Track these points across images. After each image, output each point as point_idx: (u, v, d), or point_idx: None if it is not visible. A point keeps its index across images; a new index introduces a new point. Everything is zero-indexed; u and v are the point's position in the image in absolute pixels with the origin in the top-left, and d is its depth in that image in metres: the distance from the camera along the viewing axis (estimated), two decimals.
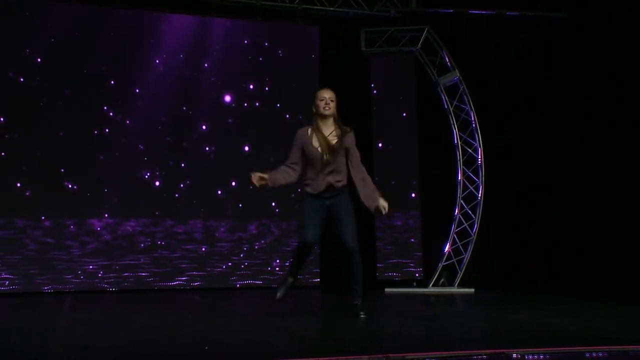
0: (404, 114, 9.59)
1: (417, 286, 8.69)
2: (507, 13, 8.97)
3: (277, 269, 9.06)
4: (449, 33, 8.94)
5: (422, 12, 8.90)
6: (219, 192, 8.93)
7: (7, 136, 8.22)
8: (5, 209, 8.15)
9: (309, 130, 5.41)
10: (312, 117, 5.45)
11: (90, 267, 8.41)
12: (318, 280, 9.17)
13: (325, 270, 9.17)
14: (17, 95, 8.28)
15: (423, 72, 8.99)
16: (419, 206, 9.41)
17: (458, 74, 8.62)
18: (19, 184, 8.23)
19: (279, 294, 5.58)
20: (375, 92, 9.55)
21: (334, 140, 5.33)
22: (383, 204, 5.36)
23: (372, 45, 8.91)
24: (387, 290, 8.39)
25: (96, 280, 8.41)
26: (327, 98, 5.35)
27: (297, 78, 9.37)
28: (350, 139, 5.38)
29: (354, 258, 5.47)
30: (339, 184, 5.39)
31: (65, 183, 8.43)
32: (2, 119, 8.23)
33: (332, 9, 8.93)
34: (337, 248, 9.02)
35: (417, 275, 9.26)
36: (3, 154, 8.20)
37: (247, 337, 4.44)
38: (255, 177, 5.30)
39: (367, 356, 3.45)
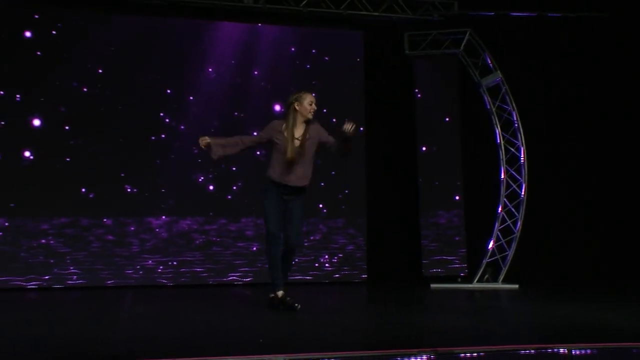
0: (447, 116, 9.50)
1: (462, 282, 8.60)
2: (549, 14, 8.81)
3: (326, 265, 9.07)
4: (490, 35, 8.83)
5: (464, 15, 8.81)
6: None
7: (72, 142, 8.42)
8: (71, 209, 8.35)
9: (283, 126, 5.55)
10: (290, 113, 5.56)
11: (150, 262, 8.56)
12: (365, 276, 9.14)
13: (373, 267, 9.15)
14: (80, 104, 8.47)
15: (465, 74, 8.90)
16: (463, 204, 9.32)
17: (500, 75, 8.51)
18: (83, 187, 8.42)
19: (297, 305, 5.59)
20: (419, 95, 9.48)
21: (304, 141, 5.51)
22: (346, 125, 5.37)
23: (416, 48, 8.86)
24: (432, 286, 8.33)
25: (155, 276, 8.55)
26: (314, 103, 5.61)
27: (343, 82, 9.36)
28: (316, 132, 5.60)
29: (293, 255, 5.71)
30: (302, 184, 5.54)
31: (125, 186, 8.59)
32: (67, 127, 8.42)
33: (376, 14, 8.91)
34: (384, 245, 9.13)
35: (462, 273, 9.15)
36: (68, 159, 8.40)
37: (298, 330, 4.46)
38: (203, 141, 5.48)
39: (416, 350, 3.43)
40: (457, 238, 9.29)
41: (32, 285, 8.11)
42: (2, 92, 8.22)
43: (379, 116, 9.37)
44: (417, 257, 9.21)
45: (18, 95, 8.28)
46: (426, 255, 9.23)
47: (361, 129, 9.31)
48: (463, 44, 8.59)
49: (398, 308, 6.14)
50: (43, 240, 8.22)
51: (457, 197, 9.32)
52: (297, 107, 5.54)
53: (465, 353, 3.42)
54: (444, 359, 3.37)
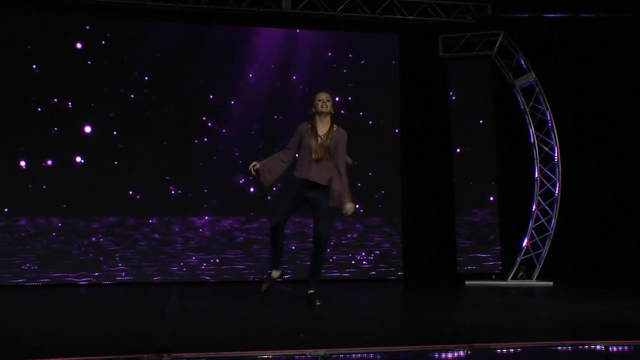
0: (481, 117, 9.40)
1: (496, 279, 8.50)
2: (582, 15, 8.65)
3: (363, 262, 9.06)
4: (523, 36, 8.71)
5: (497, 17, 8.71)
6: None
7: (120, 146, 8.57)
8: (119, 209, 8.50)
9: (308, 126, 5.67)
10: (313, 115, 5.70)
11: (193, 259, 8.66)
12: (401, 273, 9.10)
13: (408, 264, 9.10)
14: (127, 110, 8.61)
15: (499, 75, 8.80)
16: (497, 203, 9.22)
17: (534, 76, 8.38)
18: (130, 189, 8.56)
19: (263, 287, 5.80)
20: (453, 98, 9.39)
21: (327, 140, 5.58)
22: (349, 206, 5.50)
23: (450, 50, 8.78)
24: (467, 283, 8.25)
25: (198, 272, 8.64)
26: (324, 99, 5.65)
27: (379, 85, 9.33)
28: (340, 137, 5.63)
29: (323, 251, 5.65)
30: (321, 182, 5.55)
31: (170, 187, 8.70)
32: (115, 132, 8.57)
33: (411, 17, 8.86)
34: (419, 243, 9.08)
35: (496, 271, 9.05)
36: (116, 162, 8.55)
37: (336, 326, 4.47)
38: (253, 166, 5.61)
39: (452, 345, 3.40)
40: (491, 236, 9.20)
41: (83, 281, 8.27)
42: (55, 100, 8.40)
43: (414, 118, 9.31)
44: (451, 255, 9.14)
45: (70, 103, 8.45)
46: (461, 253, 9.15)
47: (396, 130, 9.28)
48: (496, 46, 8.49)
49: (434, 304, 6.10)
50: (93, 239, 8.39)
51: (491, 196, 9.23)
52: (314, 109, 5.69)
53: (501, 349, 3.38)
54: (481, 355, 3.33)
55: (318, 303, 5.57)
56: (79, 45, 8.53)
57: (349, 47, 9.34)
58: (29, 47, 8.36)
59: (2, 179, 8.16)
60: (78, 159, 8.40)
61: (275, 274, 5.80)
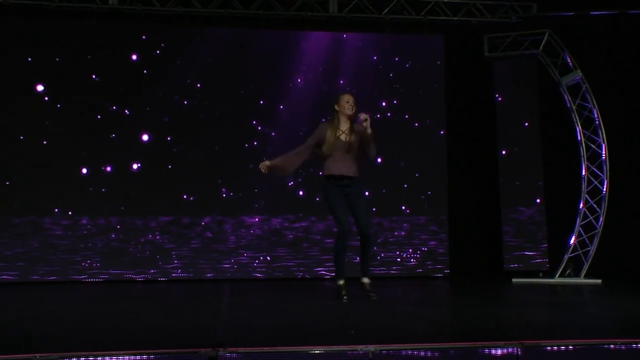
0: (527, 116, 9.22)
1: (544, 277, 8.32)
2: (629, 12, 8.40)
3: (411, 260, 8.98)
4: (569, 34, 8.50)
5: (543, 16, 8.52)
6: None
7: (175, 150, 8.71)
8: (174, 210, 8.64)
9: (330, 125, 5.69)
10: (333, 114, 5.73)
11: (244, 255, 8.74)
12: (448, 271, 9.00)
13: (455, 262, 8.99)
14: (181, 115, 8.75)
15: (544, 73, 8.61)
16: (544, 201, 9.03)
17: (580, 74, 8.18)
18: (183, 191, 8.69)
19: (345, 299, 5.58)
20: (499, 99, 9.23)
21: (347, 136, 5.61)
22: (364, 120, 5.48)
23: (495, 50, 8.64)
24: (514, 280, 8.11)
25: (249, 270, 8.72)
26: (351, 101, 5.68)
27: (424, 87, 9.24)
28: (359, 129, 5.62)
29: (369, 243, 5.68)
30: (352, 174, 5.62)
31: (222, 189, 8.80)
32: (169, 138, 8.71)
33: (456, 18, 8.75)
34: (466, 241, 8.96)
35: (543, 269, 8.86)
36: (170, 166, 8.69)
37: (387, 322, 4.43)
38: (264, 166, 5.59)
39: (502, 342, 3.33)
40: (538, 234, 9.02)
41: (140, 277, 8.44)
42: (114, 107, 8.59)
43: (460, 118, 9.20)
44: (498, 252, 9.00)
45: (127, 110, 8.63)
46: (507, 250, 9.00)
47: (441, 132, 9.18)
48: (542, 44, 8.31)
49: (481, 301, 6.01)
50: (150, 236, 8.55)
51: (538, 196, 9.05)
52: (337, 108, 5.72)
53: (552, 347, 3.29)
54: (531, 353, 3.25)
55: (374, 297, 5.58)
56: (134, 57, 8.70)
57: (394, 51, 9.28)
58: (89, 57, 8.57)
59: (66, 183, 8.39)
60: (135, 166, 8.58)
61: (342, 282, 5.69)
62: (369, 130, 5.49)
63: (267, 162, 5.63)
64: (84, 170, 8.46)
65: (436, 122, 9.22)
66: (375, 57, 9.26)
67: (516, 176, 9.13)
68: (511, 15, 8.70)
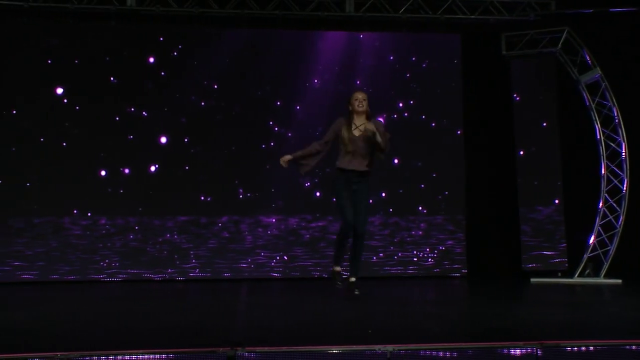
0: (546, 115, 9.13)
1: (562, 277, 8.24)
2: None
3: (429, 259, 8.94)
4: (588, 32, 8.41)
5: (561, 13, 8.44)
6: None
7: (192, 151, 8.75)
8: (191, 210, 8.67)
9: (345, 122, 5.82)
10: (348, 114, 5.85)
11: (262, 254, 8.76)
12: (465, 271, 8.95)
13: (472, 261, 8.94)
14: (198, 116, 8.78)
15: (563, 72, 8.53)
16: (563, 200, 8.95)
17: (599, 71, 8.10)
18: (201, 192, 8.72)
19: (339, 284, 5.87)
20: (517, 98, 9.14)
21: (364, 132, 5.71)
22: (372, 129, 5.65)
23: (512, 48, 8.57)
24: (532, 280, 8.04)
25: (266, 269, 8.73)
26: (360, 98, 5.79)
27: (441, 87, 9.18)
28: (377, 125, 5.72)
29: (361, 241, 5.79)
30: (362, 169, 5.74)
31: (239, 189, 8.83)
32: (186, 139, 8.75)
33: (473, 16, 8.69)
34: (483, 241, 8.90)
35: (562, 268, 8.77)
36: (187, 167, 8.73)
37: (404, 322, 4.42)
38: (284, 160, 5.79)
39: (521, 342, 3.32)
40: (557, 234, 8.94)
41: (158, 277, 8.48)
42: (132, 109, 8.65)
43: (477, 117, 9.12)
44: (516, 252, 8.92)
45: (145, 112, 8.68)
46: (525, 250, 8.92)
47: (458, 131, 9.13)
48: (561, 42, 8.24)
49: (500, 301, 5.98)
50: (168, 235, 8.59)
51: (556, 195, 8.97)
52: (350, 107, 5.86)
53: (572, 347, 3.26)
54: (551, 353, 3.23)
55: (357, 292, 5.74)
56: (151, 60, 8.75)
57: (410, 50, 9.23)
58: (107, 59, 8.64)
59: (85, 184, 8.46)
60: (152, 168, 8.63)
61: (339, 269, 5.93)
62: (378, 139, 5.62)
63: (287, 156, 5.79)
64: (103, 173, 8.52)
65: (453, 122, 9.16)
66: (391, 57, 9.23)
67: (534, 176, 9.05)
68: (529, 13, 8.61)
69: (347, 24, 8.94)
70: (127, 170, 8.58)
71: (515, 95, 9.14)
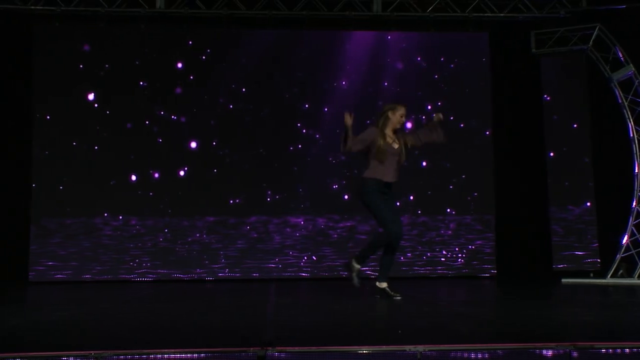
0: (577, 114, 9.00)
1: (594, 277, 8.12)
2: None
3: (459, 260, 8.88)
4: (620, 28, 8.27)
5: (592, 10, 8.31)
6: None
7: (220, 153, 8.81)
8: (220, 211, 8.74)
9: (379, 132, 5.73)
10: (382, 118, 5.78)
11: (290, 254, 8.79)
12: (495, 271, 8.87)
13: (502, 262, 8.85)
14: (226, 119, 8.85)
15: (594, 69, 8.40)
16: (594, 200, 8.81)
17: (632, 68, 7.96)
18: (229, 194, 8.77)
19: (356, 282, 5.85)
20: (547, 98, 9.02)
21: (398, 142, 5.73)
22: (437, 115, 5.80)
23: (542, 46, 8.47)
24: (564, 280, 7.93)
25: (295, 269, 8.76)
26: (405, 114, 5.80)
27: (469, 88, 9.11)
28: (404, 137, 5.80)
29: (397, 245, 5.77)
30: (395, 180, 5.74)
31: (267, 191, 8.86)
32: (214, 142, 8.81)
33: (502, 14, 8.61)
34: (513, 241, 8.81)
35: (595, 268, 8.64)
36: (215, 170, 8.79)
37: (433, 322, 4.39)
38: (348, 118, 5.65)
39: (554, 343, 3.26)
40: (588, 234, 8.81)
41: (187, 277, 8.56)
42: (161, 112, 8.74)
43: (506, 117, 9.04)
44: (546, 252, 8.82)
45: (174, 116, 8.76)
46: (557, 250, 8.81)
47: (487, 132, 9.05)
48: (592, 39, 8.11)
49: (530, 302, 5.90)
50: (197, 235, 8.68)
51: (588, 193, 8.84)
52: (390, 116, 5.77)
53: (606, 349, 3.20)
54: (585, 354, 3.18)
55: (398, 297, 5.68)
56: (179, 65, 8.82)
57: (438, 51, 9.17)
58: (137, 62, 8.75)
59: (116, 186, 8.61)
60: (182, 173, 8.70)
61: (358, 267, 5.86)
62: (440, 134, 5.82)
63: (350, 121, 5.64)
64: (133, 178, 8.63)
65: (482, 123, 9.09)
66: (419, 58, 9.18)
67: (565, 175, 8.93)
68: (559, 10, 8.50)
69: (375, 24, 8.92)
70: (156, 175, 8.67)
71: (545, 94, 9.02)
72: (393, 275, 8.54)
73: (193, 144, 8.77)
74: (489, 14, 8.62)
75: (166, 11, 8.41)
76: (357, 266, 5.87)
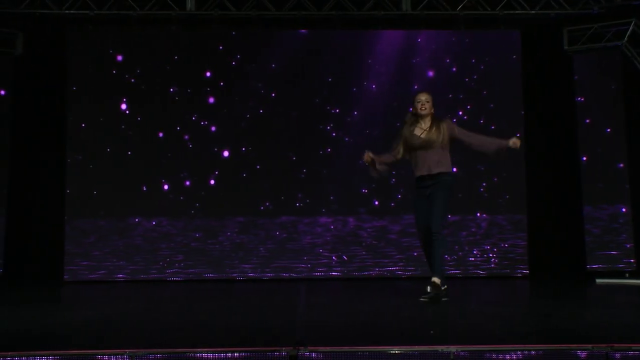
0: (611, 113, 8.81)
1: (630, 277, 7.96)
2: None
3: (490, 260, 8.78)
4: None
5: (627, 5, 8.13)
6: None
7: (251, 157, 8.82)
8: (250, 212, 8.78)
9: (409, 126, 5.61)
10: (412, 116, 5.64)
11: (320, 254, 8.79)
12: (527, 271, 8.75)
13: (534, 262, 8.73)
14: (256, 123, 8.87)
15: (629, 67, 8.23)
16: (630, 199, 8.64)
17: None
18: (260, 197, 8.79)
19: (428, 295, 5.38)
20: (581, 99, 8.84)
21: (431, 132, 5.50)
22: (512, 141, 5.55)
23: (575, 43, 8.33)
24: (598, 280, 7.79)
25: (325, 269, 8.76)
26: (422, 100, 5.57)
27: (500, 90, 8.96)
28: (449, 127, 5.57)
29: (435, 240, 5.45)
30: (436, 170, 5.47)
31: (298, 194, 8.89)
32: (243, 148, 8.85)
33: (533, 12, 8.48)
34: (545, 241, 8.68)
35: (631, 269, 8.48)
36: (244, 174, 8.81)
37: (466, 322, 4.36)
38: (367, 156, 5.57)
39: (590, 345, 3.21)
40: (623, 234, 8.64)
41: (219, 276, 8.62)
42: (193, 117, 8.81)
43: (538, 116, 8.88)
44: (580, 252, 8.66)
45: (204, 122, 8.83)
46: (590, 250, 8.66)
47: (517, 135, 8.90)
48: (627, 35, 7.95)
49: (564, 302, 5.81)
50: (228, 233, 8.75)
51: (623, 191, 8.67)
52: (413, 110, 5.65)
53: None
54: (622, 356, 3.12)
55: (445, 299, 5.39)
56: (210, 71, 8.90)
57: (468, 52, 9.05)
58: (168, 67, 8.84)
59: (148, 189, 8.73)
60: (212, 180, 8.78)
61: (438, 280, 5.43)
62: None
63: (371, 154, 5.59)
64: (165, 187, 8.74)
65: (513, 125, 8.95)
66: (448, 60, 9.08)
67: (600, 176, 8.76)
68: (592, 5, 8.34)
69: (404, 23, 8.86)
70: (187, 182, 8.75)
71: (578, 94, 8.84)
72: (425, 275, 8.52)
73: (225, 153, 8.83)
74: (520, 12, 8.49)
75: (196, 13, 8.47)
76: (437, 280, 5.41)
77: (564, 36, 8.28)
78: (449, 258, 8.67)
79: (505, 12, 8.47)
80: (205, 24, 8.72)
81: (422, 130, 5.55)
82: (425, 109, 5.56)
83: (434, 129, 5.52)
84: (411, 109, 5.67)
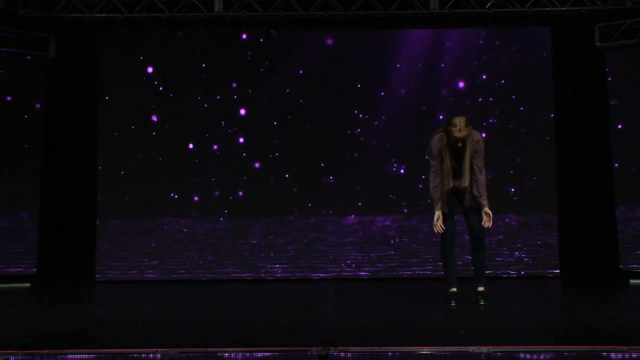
0: None
1: None
2: None
3: (522, 260, 8.67)
4: None
5: None
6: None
7: (280, 161, 8.79)
8: (278, 211, 8.74)
9: (442, 138, 5.49)
10: (444, 133, 5.50)
11: (349, 254, 8.77)
12: (558, 271, 8.63)
13: (566, 262, 8.60)
14: (285, 126, 8.83)
15: None
16: None
17: None
18: (289, 199, 8.74)
19: (453, 304, 5.34)
20: (614, 102, 8.66)
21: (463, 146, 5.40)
22: (486, 212, 5.36)
23: (607, 40, 8.18)
24: (632, 281, 7.66)
25: (354, 269, 8.75)
26: (460, 125, 5.38)
27: (529, 92, 8.80)
28: (476, 143, 5.47)
29: (480, 244, 5.49)
30: (464, 186, 5.44)
31: (325, 199, 8.79)
32: (272, 153, 8.81)
33: (563, 8, 8.35)
34: (577, 241, 8.56)
35: None
36: (273, 179, 8.78)
37: (497, 323, 4.33)
38: (437, 225, 5.43)
39: (626, 347, 3.16)
40: None
41: (247, 276, 8.66)
42: (222, 123, 8.84)
43: (570, 116, 8.74)
44: (613, 253, 8.51)
45: (234, 127, 8.85)
46: (624, 250, 8.50)
47: (547, 138, 8.80)
48: None
49: (597, 303, 5.74)
50: (256, 234, 8.78)
51: None
52: (447, 128, 5.48)
53: None
54: None
55: (482, 303, 5.29)
56: (234, 85, 8.91)
57: (497, 53, 8.93)
58: (195, 75, 8.89)
59: (177, 191, 8.78)
60: (240, 191, 8.78)
61: (453, 290, 5.48)
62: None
63: (439, 214, 5.45)
64: (196, 198, 8.77)
65: (544, 127, 8.82)
66: (475, 63, 8.97)
67: (633, 175, 8.58)
68: (625, 1, 8.18)
69: (431, 22, 8.81)
70: (217, 192, 8.79)
71: (610, 94, 8.65)
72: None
73: (257, 165, 8.87)
74: (550, 8, 8.38)
75: (224, 14, 8.53)
76: (452, 289, 5.47)
77: (596, 33, 8.15)
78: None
79: (535, 9, 8.36)
80: (233, 26, 8.78)
81: (459, 141, 5.44)
82: (461, 134, 5.42)
83: (463, 147, 5.43)
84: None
